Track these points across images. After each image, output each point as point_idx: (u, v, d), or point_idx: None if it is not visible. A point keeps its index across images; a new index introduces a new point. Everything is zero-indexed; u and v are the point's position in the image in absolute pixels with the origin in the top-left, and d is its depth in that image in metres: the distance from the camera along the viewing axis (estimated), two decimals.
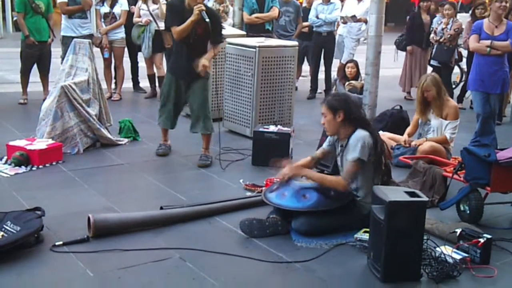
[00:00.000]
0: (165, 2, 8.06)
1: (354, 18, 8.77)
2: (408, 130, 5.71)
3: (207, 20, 4.97)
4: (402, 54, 9.18)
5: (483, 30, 5.89)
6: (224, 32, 5.43)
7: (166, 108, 5.41)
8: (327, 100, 3.95)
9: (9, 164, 4.99)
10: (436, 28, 8.18)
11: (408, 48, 8.83)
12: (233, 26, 8.06)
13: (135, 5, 8.14)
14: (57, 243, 3.50)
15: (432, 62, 8.39)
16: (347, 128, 3.88)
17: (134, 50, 8.44)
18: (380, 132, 4.89)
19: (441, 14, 8.48)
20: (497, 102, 6.10)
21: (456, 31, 7.96)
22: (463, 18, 8.42)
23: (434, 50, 8.36)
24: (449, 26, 7.99)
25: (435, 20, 8.54)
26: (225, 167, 5.21)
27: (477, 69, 5.96)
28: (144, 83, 8.66)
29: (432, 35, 8.27)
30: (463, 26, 8.01)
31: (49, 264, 3.32)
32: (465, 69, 8.53)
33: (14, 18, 9.87)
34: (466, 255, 3.48)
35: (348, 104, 3.88)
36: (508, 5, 5.81)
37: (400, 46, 9.12)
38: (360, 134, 3.80)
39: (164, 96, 5.40)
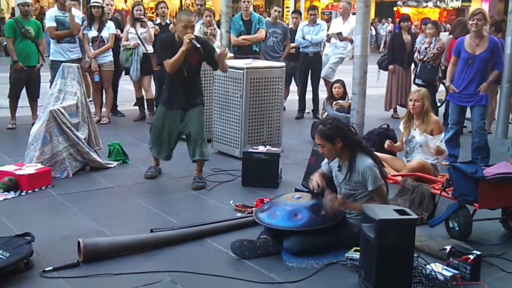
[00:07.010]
0: (153, 26, 8.15)
1: (340, 36, 8.88)
2: (397, 145, 5.69)
3: (198, 46, 4.95)
4: (384, 74, 9.27)
5: (463, 48, 5.99)
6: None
7: (159, 141, 5.35)
8: (320, 130, 3.92)
9: None
10: (420, 48, 8.30)
11: (390, 67, 8.95)
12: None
13: (120, 29, 8.22)
14: (47, 269, 3.47)
15: (416, 80, 8.47)
16: (346, 151, 3.93)
17: (117, 73, 8.39)
18: None
19: (424, 34, 8.61)
20: (477, 115, 6.11)
21: (439, 49, 8.07)
22: (444, 37, 8.53)
23: (418, 69, 8.46)
24: (432, 45, 8.11)
25: (418, 39, 8.67)
26: (211, 188, 5.22)
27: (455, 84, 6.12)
28: (127, 106, 8.60)
29: (416, 54, 8.38)
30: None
31: None
32: None
33: (4, 43, 9.84)
34: (456, 272, 3.50)
35: (343, 129, 3.93)
36: (481, 22, 5.87)
37: (382, 65, 9.23)
38: (366, 163, 3.86)
39: (157, 129, 5.33)
